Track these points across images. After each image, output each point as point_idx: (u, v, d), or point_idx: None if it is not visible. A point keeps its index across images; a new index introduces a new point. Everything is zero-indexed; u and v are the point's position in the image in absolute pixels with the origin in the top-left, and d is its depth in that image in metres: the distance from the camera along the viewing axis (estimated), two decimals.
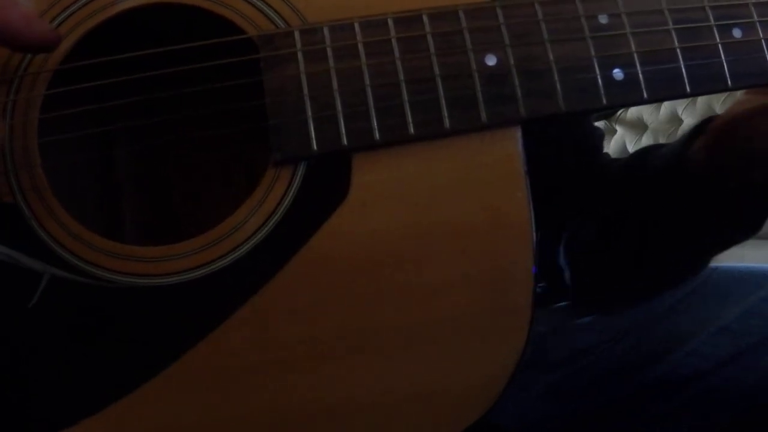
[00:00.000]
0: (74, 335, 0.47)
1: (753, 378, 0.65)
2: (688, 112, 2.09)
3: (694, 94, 0.49)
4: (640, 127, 2.21)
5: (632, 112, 2.22)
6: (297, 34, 0.49)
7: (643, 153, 0.72)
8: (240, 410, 0.47)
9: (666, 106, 2.14)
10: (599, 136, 0.82)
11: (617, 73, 0.49)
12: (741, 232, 0.64)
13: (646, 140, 2.19)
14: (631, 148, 2.23)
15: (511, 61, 0.49)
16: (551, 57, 0.49)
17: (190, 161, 0.63)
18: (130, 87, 0.49)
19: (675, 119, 2.13)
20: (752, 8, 0.51)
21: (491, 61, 0.49)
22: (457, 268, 0.48)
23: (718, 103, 2.02)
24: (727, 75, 0.50)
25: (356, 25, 0.49)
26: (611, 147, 2.28)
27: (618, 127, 2.27)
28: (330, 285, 0.47)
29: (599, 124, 2.27)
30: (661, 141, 2.14)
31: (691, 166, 0.62)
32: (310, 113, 0.48)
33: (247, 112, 0.50)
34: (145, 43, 0.49)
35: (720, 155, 0.60)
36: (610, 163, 0.79)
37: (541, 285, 0.75)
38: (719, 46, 0.50)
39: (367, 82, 0.48)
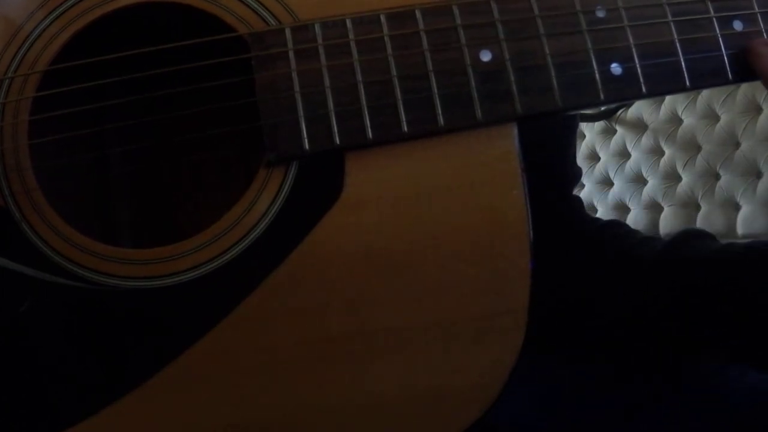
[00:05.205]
0: (68, 338, 0.47)
1: (753, 378, 0.64)
2: (688, 112, 2.09)
3: (694, 88, 0.48)
4: (640, 127, 2.21)
5: (632, 112, 2.21)
6: (288, 32, 0.48)
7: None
8: (236, 411, 0.47)
9: (666, 106, 2.13)
10: (574, 175, 0.76)
11: (615, 68, 0.48)
12: None
13: (645, 140, 2.18)
14: (631, 148, 2.22)
15: (507, 57, 0.48)
16: (547, 52, 0.48)
17: (187, 163, 0.62)
18: (124, 87, 0.48)
19: (675, 119, 2.12)
20: (753, 0, 0.50)
21: (486, 56, 0.48)
22: (453, 268, 0.47)
23: (718, 104, 2.02)
24: (728, 68, 0.49)
25: (348, 22, 0.48)
26: (611, 147, 2.27)
27: (618, 127, 2.26)
28: (323, 286, 0.47)
29: (599, 124, 2.27)
30: (661, 141, 2.13)
31: None
32: (301, 112, 0.47)
33: (243, 112, 0.49)
34: (137, 43, 0.49)
35: None
36: (583, 215, 0.74)
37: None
38: (719, 38, 0.49)
39: (360, 79, 0.47)
